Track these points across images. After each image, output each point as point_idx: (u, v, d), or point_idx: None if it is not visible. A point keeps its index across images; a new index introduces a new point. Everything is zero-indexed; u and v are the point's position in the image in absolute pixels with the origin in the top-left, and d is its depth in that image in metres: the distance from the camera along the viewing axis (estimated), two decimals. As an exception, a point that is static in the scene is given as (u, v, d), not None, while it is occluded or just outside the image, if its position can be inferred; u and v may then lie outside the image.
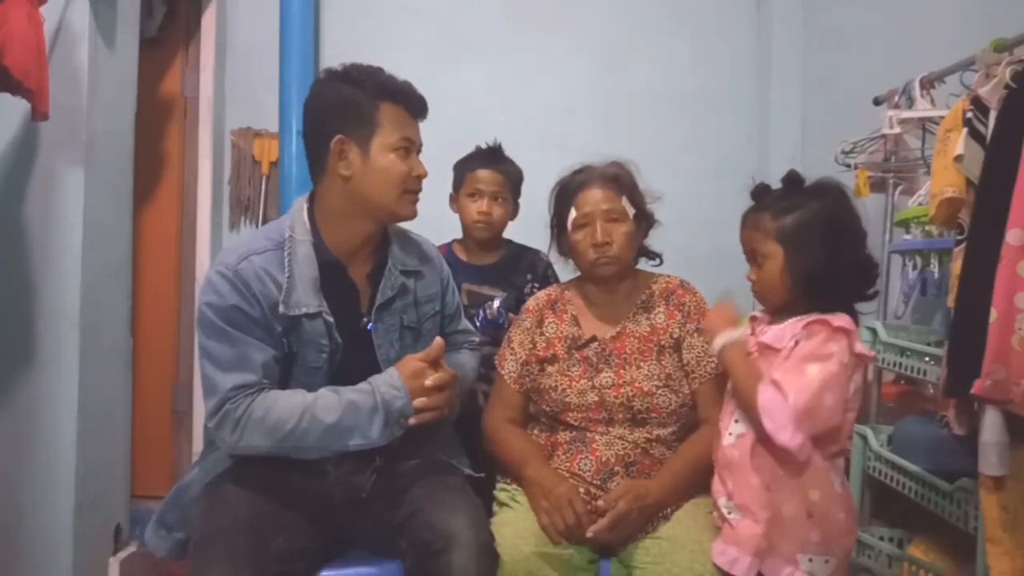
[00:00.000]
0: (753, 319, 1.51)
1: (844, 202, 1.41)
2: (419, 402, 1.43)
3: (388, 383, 1.43)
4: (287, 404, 1.40)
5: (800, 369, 1.32)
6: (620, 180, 1.64)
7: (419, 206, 1.56)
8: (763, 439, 1.35)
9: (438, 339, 1.49)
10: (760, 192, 1.47)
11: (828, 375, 1.31)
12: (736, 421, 1.43)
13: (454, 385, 1.50)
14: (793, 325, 1.38)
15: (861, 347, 1.36)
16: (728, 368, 1.42)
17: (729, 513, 1.39)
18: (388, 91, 1.47)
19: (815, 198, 1.39)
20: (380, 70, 1.50)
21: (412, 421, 1.44)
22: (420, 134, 1.54)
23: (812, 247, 1.35)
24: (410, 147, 1.50)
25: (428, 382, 1.43)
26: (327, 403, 1.41)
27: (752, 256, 1.44)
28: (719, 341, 1.43)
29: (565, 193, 1.67)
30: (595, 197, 1.62)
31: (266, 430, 1.39)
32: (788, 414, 1.29)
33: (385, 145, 1.46)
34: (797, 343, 1.35)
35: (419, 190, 1.53)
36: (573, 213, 1.63)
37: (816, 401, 1.30)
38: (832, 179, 1.44)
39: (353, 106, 1.46)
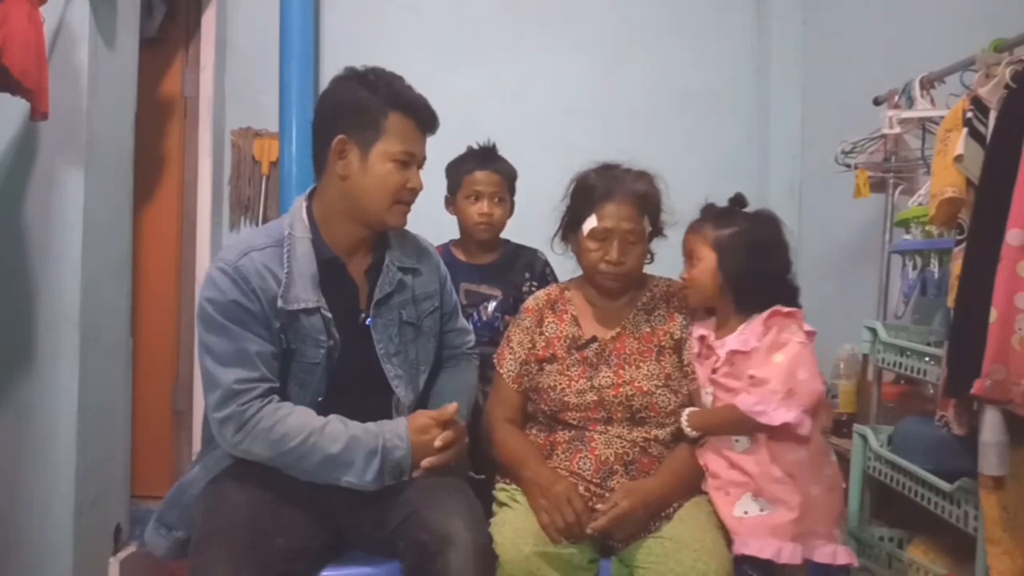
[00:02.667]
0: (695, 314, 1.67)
1: (772, 229, 1.58)
2: (427, 462, 1.45)
3: (394, 431, 1.44)
4: (295, 422, 1.40)
5: (768, 361, 1.48)
6: (648, 199, 1.61)
7: (418, 206, 1.56)
8: (772, 436, 1.47)
9: (454, 404, 1.49)
10: (734, 202, 1.63)
11: (792, 355, 1.48)
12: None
13: (462, 439, 1.51)
14: (753, 327, 1.52)
15: (807, 326, 1.54)
16: (707, 428, 1.54)
17: (761, 510, 1.44)
18: (401, 101, 1.48)
19: (749, 220, 1.58)
20: (400, 79, 1.51)
21: (416, 474, 1.46)
22: (424, 149, 1.54)
23: (739, 259, 1.53)
24: (410, 160, 1.50)
25: (437, 443, 1.45)
26: (334, 432, 1.41)
27: (689, 256, 1.61)
28: (684, 425, 1.55)
29: (589, 194, 1.62)
30: (620, 213, 1.57)
31: (269, 442, 1.39)
32: (776, 397, 1.45)
33: (386, 153, 1.47)
34: (761, 340, 1.50)
35: (411, 202, 1.54)
36: (593, 221, 1.59)
37: (792, 379, 1.46)
38: (767, 210, 1.62)
39: (362, 109, 1.46)
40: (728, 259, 1.54)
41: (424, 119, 1.51)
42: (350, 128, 1.46)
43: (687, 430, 1.54)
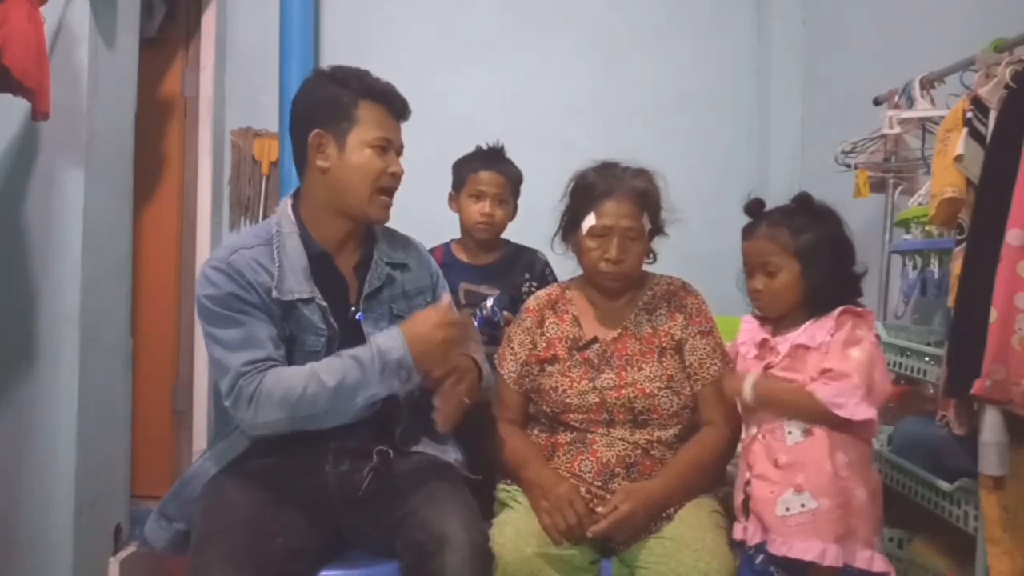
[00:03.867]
0: (747, 321, 1.59)
1: (842, 225, 1.54)
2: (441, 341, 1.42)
3: (385, 335, 1.43)
4: (294, 373, 1.41)
5: (844, 355, 1.43)
6: (647, 196, 1.61)
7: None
8: (836, 428, 1.43)
9: (445, 296, 1.49)
10: (755, 207, 1.56)
11: (868, 353, 1.44)
12: (789, 419, 1.47)
13: (468, 327, 1.48)
14: (822, 322, 1.48)
15: (875, 329, 1.52)
16: (771, 398, 1.48)
17: (803, 505, 1.40)
18: (370, 90, 1.51)
19: (823, 220, 1.52)
20: (367, 72, 1.54)
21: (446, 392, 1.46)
22: (400, 136, 1.56)
23: (823, 263, 1.48)
24: (388, 146, 1.52)
25: (432, 319, 1.42)
26: (330, 366, 1.41)
27: (762, 267, 1.52)
28: (747, 385, 1.48)
29: (587, 193, 1.62)
30: (619, 211, 1.58)
31: (278, 401, 1.38)
32: (860, 393, 1.40)
33: (362, 141, 1.49)
34: (833, 335, 1.45)
35: (393, 189, 1.55)
36: (592, 220, 1.59)
37: (870, 377, 1.42)
38: (827, 204, 1.56)
39: (334, 102, 1.49)
40: (814, 268, 1.48)
41: (395, 105, 1.54)
42: (324, 122, 1.49)
43: (748, 396, 1.47)
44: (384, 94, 1.52)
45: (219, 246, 1.56)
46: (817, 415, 1.43)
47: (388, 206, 1.55)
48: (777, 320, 1.55)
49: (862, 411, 1.40)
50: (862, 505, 1.42)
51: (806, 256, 1.48)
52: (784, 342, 1.50)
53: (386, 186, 1.52)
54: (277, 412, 1.39)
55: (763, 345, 1.54)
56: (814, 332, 1.47)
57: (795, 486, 1.42)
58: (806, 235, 1.49)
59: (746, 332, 1.58)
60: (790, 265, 1.49)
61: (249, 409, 1.39)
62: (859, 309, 1.46)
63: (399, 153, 1.56)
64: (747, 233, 1.55)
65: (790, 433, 1.46)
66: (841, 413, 1.40)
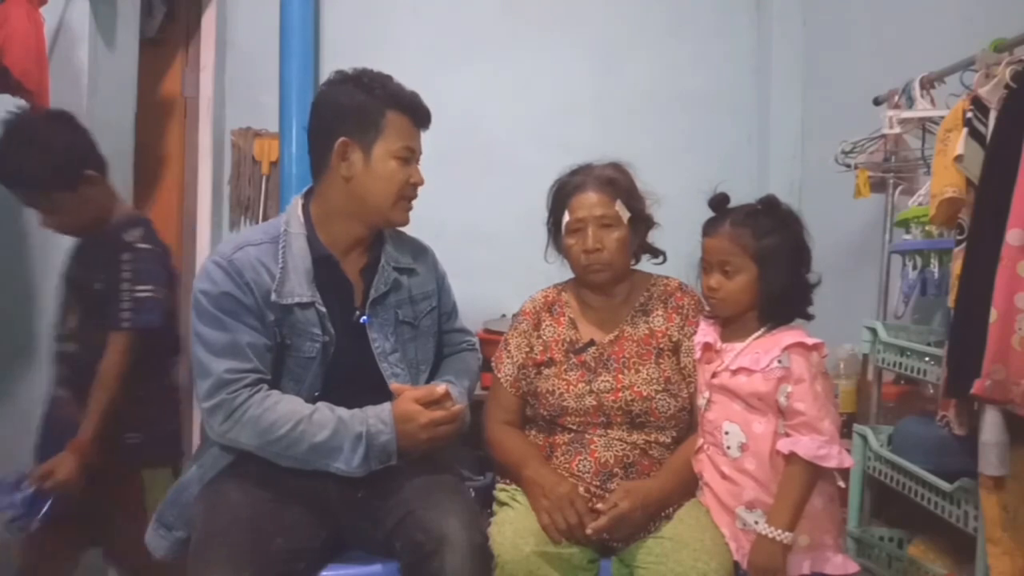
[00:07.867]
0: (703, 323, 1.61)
1: (803, 230, 1.52)
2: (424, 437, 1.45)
3: (378, 416, 1.44)
4: (284, 409, 1.41)
5: (815, 393, 1.41)
6: (616, 184, 1.62)
7: (417, 207, 1.57)
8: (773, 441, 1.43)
9: (442, 386, 1.49)
10: (720, 201, 1.54)
11: (827, 386, 1.45)
12: (727, 433, 1.48)
13: (455, 418, 1.48)
14: (766, 346, 1.46)
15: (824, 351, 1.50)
16: (794, 515, 1.39)
17: (756, 523, 1.41)
18: (397, 100, 1.51)
19: (787, 226, 1.50)
20: (390, 78, 1.54)
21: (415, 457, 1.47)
22: (421, 144, 1.57)
23: (781, 270, 1.47)
24: (410, 156, 1.53)
25: (422, 419, 1.43)
26: (322, 418, 1.42)
27: (720, 265, 1.50)
28: (780, 535, 1.37)
29: (561, 195, 1.66)
30: (589, 202, 1.60)
31: (257, 430, 1.40)
32: (836, 439, 1.40)
33: (387, 151, 1.50)
34: (780, 362, 1.43)
35: (414, 197, 1.56)
36: (567, 217, 1.61)
37: (832, 411, 1.43)
38: (791, 209, 1.54)
39: (361, 110, 1.49)
40: (771, 274, 1.46)
41: (420, 115, 1.55)
42: (351, 130, 1.49)
43: (782, 539, 1.36)
44: (410, 104, 1.53)
45: (228, 239, 1.56)
46: (817, 476, 1.41)
47: (409, 209, 1.57)
48: (726, 323, 1.56)
49: (846, 459, 1.42)
50: (818, 513, 1.42)
51: (765, 261, 1.46)
52: (730, 351, 1.51)
53: (407, 195, 1.54)
54: (252, 438, 1.41)
55: (708, 348, 1.55)
56: (759, 355, 1.46)
57: (746, 504, 1.44)
58: (768, 239, 1.46)
59: (700, 332, 1.59)
60: (748, 268, 1.48)
61: (225, 423, 1.40)
62: (809, 341, 1.44)
63: (417, 161, 1.57)
64: (710, 229, 1.54)
65: (728, 448, 1.47)
66: (830, 464, 1.39)
